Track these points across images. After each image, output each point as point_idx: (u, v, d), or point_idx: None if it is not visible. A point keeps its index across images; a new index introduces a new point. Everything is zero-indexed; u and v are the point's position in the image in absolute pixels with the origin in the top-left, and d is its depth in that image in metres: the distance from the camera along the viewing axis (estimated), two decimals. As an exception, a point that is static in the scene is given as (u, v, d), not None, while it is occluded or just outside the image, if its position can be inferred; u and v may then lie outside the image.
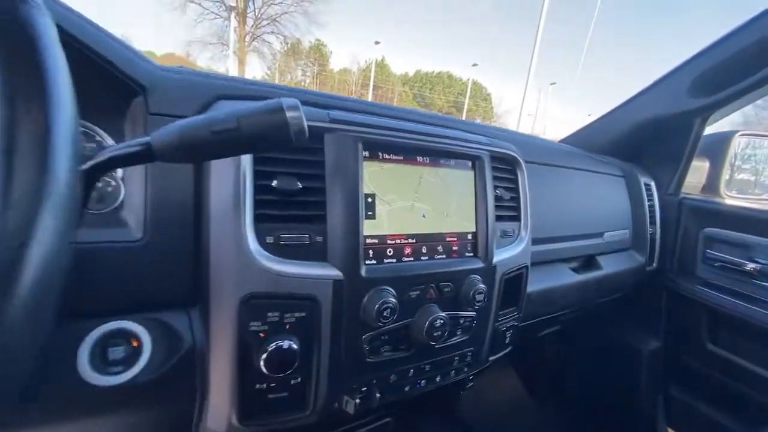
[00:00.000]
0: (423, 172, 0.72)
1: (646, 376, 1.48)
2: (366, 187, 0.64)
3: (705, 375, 1.37)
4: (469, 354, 0.80)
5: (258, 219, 0.57)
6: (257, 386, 0.58)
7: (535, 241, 0.96)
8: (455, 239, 0.75)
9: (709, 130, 1.42)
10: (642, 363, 1.48)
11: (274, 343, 0.56)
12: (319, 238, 0.61)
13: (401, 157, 0.69)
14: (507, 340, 0.88)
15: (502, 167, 0.86)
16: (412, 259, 0.69)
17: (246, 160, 0.56)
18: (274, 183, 0.58)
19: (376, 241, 0.65)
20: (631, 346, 1.51)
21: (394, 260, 0.67)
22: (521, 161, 0.89)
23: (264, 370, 0.56)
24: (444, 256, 0.73)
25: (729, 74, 1.18)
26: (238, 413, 0.58)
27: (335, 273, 0.60)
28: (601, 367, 1.63)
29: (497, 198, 0.82)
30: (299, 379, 0.61)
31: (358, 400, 0.65)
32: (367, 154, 0.65)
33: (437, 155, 0.73)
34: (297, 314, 0.59)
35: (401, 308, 0.64)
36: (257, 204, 0.57)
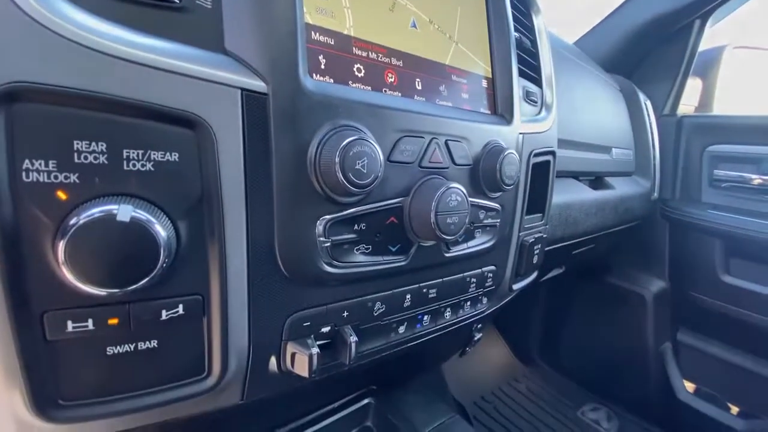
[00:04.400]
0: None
1: (651, 323, 1.30)
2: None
3: (718, 312, 1.21)
4: (490, 276, 0.51)
5: None
6: (48, 329, 0.25)
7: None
8: (464, 81, 0.45)
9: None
10: (646, 309, 1.30)
11: (96, 210, 0.23)
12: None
13: None
14: (534, 260, 0.60)
15: (516, 3, 0.58)
16: (397, 93, 0.39)
17: None
18: None
19: (330, 41, 0.34)
20: (633, 293, 1.32)
21: (369, 88, 0.36)
22: (538, 3, 0.62)
23: (69, 278, 0.23)
24: (449, 103, 0.44)
25: None
26: (28, 396, 0.25)
27: (247, 77, 0.28)
28: (598, 321, 1.43)
29: (516, 42, 0.54)
30: (178, 307, 0.28)
31: (315, 351, 0.34)
32: None
33: None
34: (157, 154, 0.26)
35: (387, 174, 0.34)
36: None
